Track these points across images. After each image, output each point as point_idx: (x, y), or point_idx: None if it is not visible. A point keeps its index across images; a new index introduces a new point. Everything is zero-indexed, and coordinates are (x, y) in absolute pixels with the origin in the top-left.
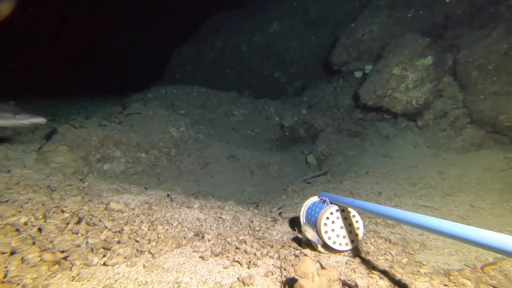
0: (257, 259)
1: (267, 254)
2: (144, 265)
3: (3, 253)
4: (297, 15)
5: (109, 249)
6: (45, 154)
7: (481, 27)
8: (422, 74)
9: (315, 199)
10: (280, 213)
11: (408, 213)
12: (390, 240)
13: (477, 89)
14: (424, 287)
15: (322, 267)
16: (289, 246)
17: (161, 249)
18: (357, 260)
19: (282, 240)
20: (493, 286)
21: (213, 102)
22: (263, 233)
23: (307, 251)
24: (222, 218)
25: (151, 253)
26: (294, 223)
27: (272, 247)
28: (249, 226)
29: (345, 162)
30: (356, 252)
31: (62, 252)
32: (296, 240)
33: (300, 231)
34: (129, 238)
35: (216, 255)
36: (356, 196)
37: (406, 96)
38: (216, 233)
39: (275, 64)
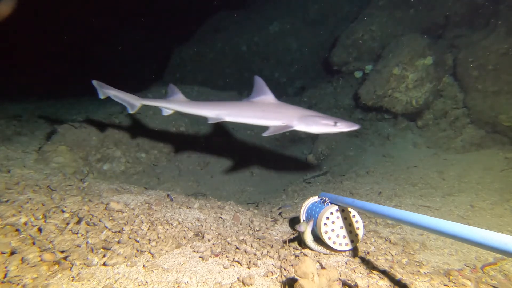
0: (257, 259)
1: (267, 254)
2: (144, 265)
3: (3, 253)
4: (297, 15)
5: (109, 249)
6: (45, 154)
7: (481, 27)
8: (422, 74)
9: (315, 199)
10: (280, 213)
11: (408, 213)
12: (390, 240)
13: (477, 89)
14: (424, 287)
15: (322, 267)
16: (289, 246)
17: (161, 249)
18: (357, 260)
19: (282, 240)
20: (493, 286)
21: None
22: (263, 233)
23: (307, 251)
24: (222, 218)
25: (151, 253)
26: (294, 223)
27: (272, 247)
28: (249, 226)
29: (345, 162)
30: (356, 252)
31: (62, 252)
32: (296, 240)
33: (301, 235)
34: (129, 238)
35: (216, 255)
36: (356, 196)
37: (406, 96)
38: (216, 233)
39: (275, 64)
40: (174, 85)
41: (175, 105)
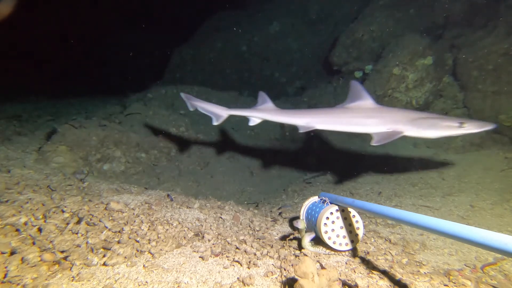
0: (257, 259)
1: (267, 254)
2: (144, 265)
3: (3, 253)
4: (297, 15)
5: (109, 249)
6: (45, 154)
7: (481, 27)
8: (422, 74)
9: (315, 199)
10: (280, 213)
11: (408, 213)
12: (390, 240)
13: (477, 89)
14: (424, 287)
15: (322, 267)
16: (289, 246)
17: (161, 249)
18: (357, 260)
19: (282, 240)
20: (493, 286)
21: (213, 102)
22: (263, 233)
23: (307, 251)
24: (222, 218)
25: (151, 253)
26: (296, 226)
27: (272, 247)
28: (249, 226)
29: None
30: (356, 252)
31: (62, 252)
32: (296, 240)
33: (299, 231)
34: (129, 238)
35: (216, 255)
36: (356, 196)
37: (406, 96)
38: (216, 233)
39: (275, 64)
40: (264, 93)
41: (263, 114)
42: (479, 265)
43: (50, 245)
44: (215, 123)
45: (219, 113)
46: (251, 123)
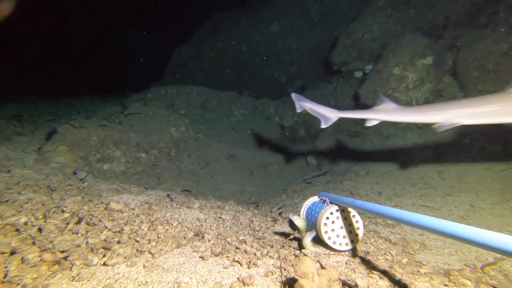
0: (257, 259)
1: (267, 254)
2: (144, 265)
3: (3, 253)
4: (297, 15)
5: (109, 249)
6: (45, 154)
7: (481, 27)
8: (422, 74)
9: (315, 199)
10: (280, 213)
11: (408, 213)
12: (390, 240)
13: (477, 89)
14: (424, 287)
15: (322, 267)
16: (289, 246)
17: (161, 249)
18: (357, 260)
19: (282, 240)
20: (493, 286)
21: (213, 102)
22: (263, 233)
23: (307, 251)
24: (222, 218)
25: (151, 253)
26: (294, 223)
27: (272, 247)
28: (249, 226)
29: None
30: (356, 252)
31: (62, 252)
32: (296, 240)
33: (299, 231)
34: (129, 238)
35: (216, 255)
36: (356, 196)
37: (406, 96)
38: (216, 233)
39: (275, 64)
40: (384, 96)
41: (381, 114)
42: (479, 265)
43: (50, 245)
44: (323, 125)
45: (329, 115)
46: (368, 124)
